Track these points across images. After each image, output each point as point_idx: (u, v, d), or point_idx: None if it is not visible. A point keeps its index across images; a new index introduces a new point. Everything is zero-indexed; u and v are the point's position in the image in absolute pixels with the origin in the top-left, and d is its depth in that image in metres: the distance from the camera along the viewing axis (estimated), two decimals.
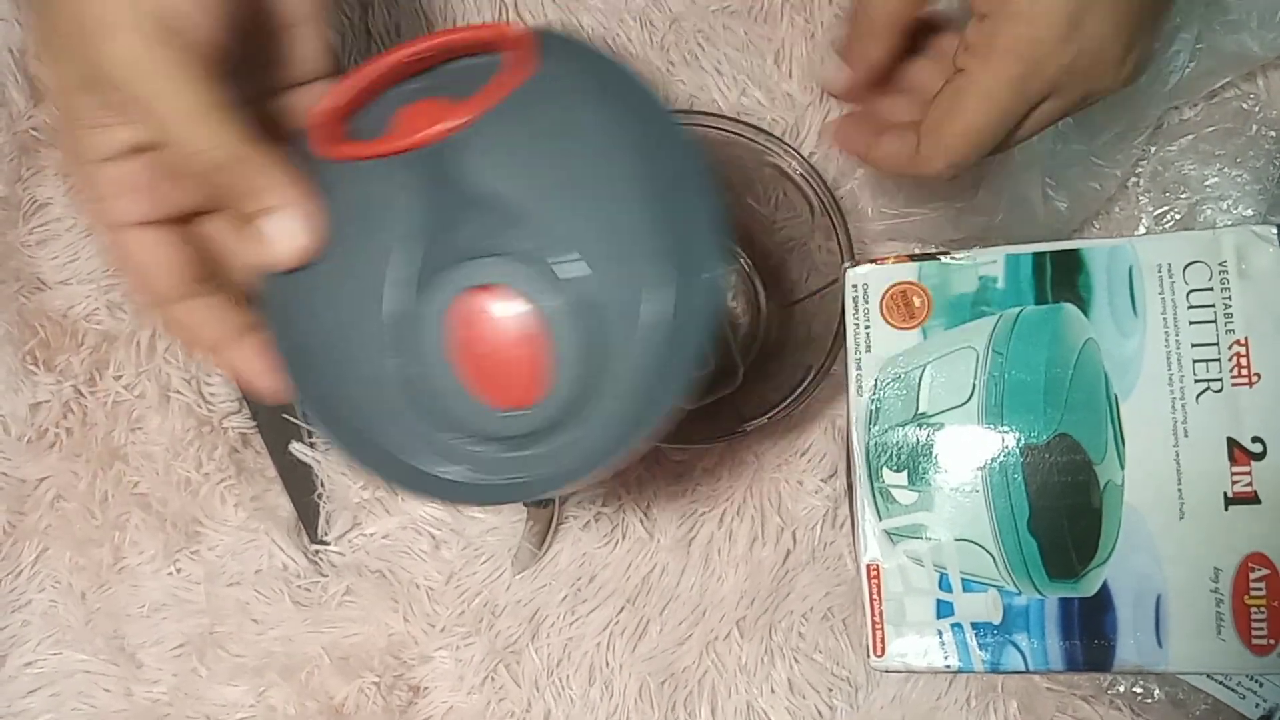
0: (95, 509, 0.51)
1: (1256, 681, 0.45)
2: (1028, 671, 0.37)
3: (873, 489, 0.39)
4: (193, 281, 0.34)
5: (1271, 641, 0.35)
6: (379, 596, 0.51)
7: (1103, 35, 0.35)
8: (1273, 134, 0.48)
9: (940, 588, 0.38)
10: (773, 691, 0.50)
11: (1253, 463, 0.36)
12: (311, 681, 0.50)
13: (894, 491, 0.38)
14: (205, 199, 0.34)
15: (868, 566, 0.38)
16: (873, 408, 0.39)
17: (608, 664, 0.50)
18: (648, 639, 0.50)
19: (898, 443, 0.38)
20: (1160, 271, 0.37)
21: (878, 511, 0.38)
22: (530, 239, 0.31)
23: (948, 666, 0.37)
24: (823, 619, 0.50)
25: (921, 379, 0.38)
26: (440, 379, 0.32)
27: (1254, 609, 0.35)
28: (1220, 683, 0.45)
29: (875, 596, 0.38)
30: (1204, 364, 0.36)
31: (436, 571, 0.51)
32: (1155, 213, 0.49)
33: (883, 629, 0.38)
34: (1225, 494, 0.36)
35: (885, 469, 0.39)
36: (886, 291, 0.39)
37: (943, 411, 0.38)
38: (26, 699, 0.51)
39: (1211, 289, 0.37)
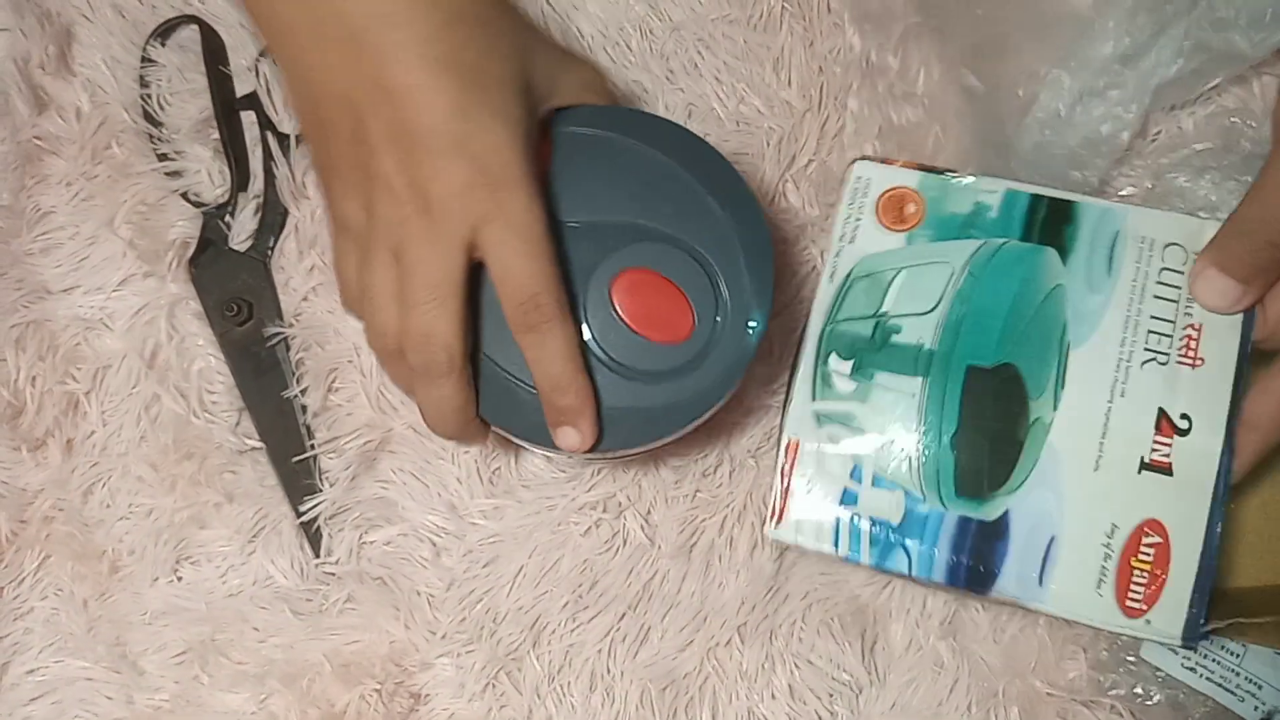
0: (96, 518, 0.52)
1: (1255, 684, 0.45)
2: (909, 576, 0.38)
3: (815, 371, 0.40)
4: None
5: (1144, 606, 0.36)
6: (380, 604, 0.51)
7: None
8: (1265, 148, 0.48)
9: (851, 477, 0.39)
10: (774, 697, 0.50)
11: (1175, 437, 0.37)
12: (313, 689, 0.50)
13: (835, 378, 0.39)
14: None
15: (789, 442, 0.39)
16: (839, 296, 0.40)
17: (609, 671, 0.50)
18: (649, 645, 0.50)
19: (853, 333, 0.40)
20: (1142, 244, 0.39)
21: (813, 392, 0.40)
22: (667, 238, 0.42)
23: (836, 552, 0.38)
24: (823, 624, 0.50)
25: (893, 281, 0.40)
26: (612, 326, 0.42)
27: (1136, 571, 0.36)
28: (1220, 685, 0.45)
29: (788, 471, 0.39)
30: (1157, 336, 0.38)
31: (437, 579, 0.51)
32: None
33: (787, 501, 0.39)
34: (1142, 458, 0.37)
35: (834, 355, 0.40)
36: (885, 193, 0.41)
37: (904, 315, 0.39)
38: (29, 707, 0.51)
39: (1182, 273, 0.38)
